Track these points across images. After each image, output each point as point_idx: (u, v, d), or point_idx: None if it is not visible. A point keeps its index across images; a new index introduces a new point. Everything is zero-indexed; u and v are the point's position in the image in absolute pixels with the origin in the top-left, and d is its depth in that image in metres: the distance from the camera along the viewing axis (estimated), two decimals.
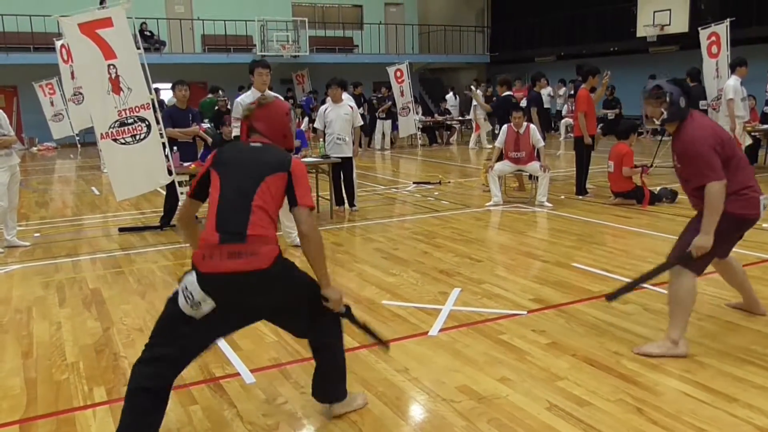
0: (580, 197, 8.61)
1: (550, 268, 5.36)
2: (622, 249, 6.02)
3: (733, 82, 9.34)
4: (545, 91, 12.93)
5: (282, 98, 2.97)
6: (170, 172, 6.75)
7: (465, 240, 6.49)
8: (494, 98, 11.22)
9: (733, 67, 9.48)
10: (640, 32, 17.86)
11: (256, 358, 3.61)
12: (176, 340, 2.54)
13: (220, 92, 14.55)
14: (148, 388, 2.52)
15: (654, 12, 17.38)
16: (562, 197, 8.62)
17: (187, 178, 6.94)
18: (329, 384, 2.89)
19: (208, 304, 2.47)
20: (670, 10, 17.02)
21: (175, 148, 7.02)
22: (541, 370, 3.37)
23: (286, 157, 2.70)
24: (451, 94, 19.78)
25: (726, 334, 3.81)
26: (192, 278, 2.49)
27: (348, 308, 2.85)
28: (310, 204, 2.64)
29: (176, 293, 2.57)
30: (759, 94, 12.55)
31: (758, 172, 10.77)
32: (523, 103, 10.98)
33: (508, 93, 9.20)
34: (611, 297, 3.84)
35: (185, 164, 7.09)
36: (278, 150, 2.75)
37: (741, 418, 2.84)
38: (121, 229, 7.29)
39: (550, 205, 8.06)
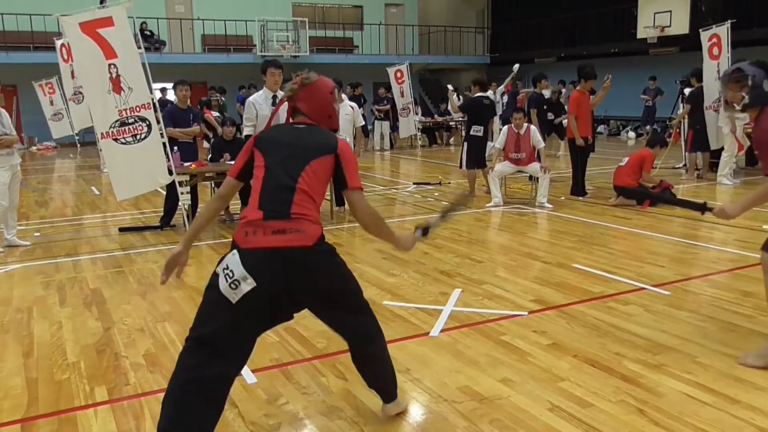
0: (580, 198, 8.59)
1: (550, 269, 5.36)
2: (622, 250, 6.02)
3: None
4: (546, 92, 12.90)
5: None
6: (171, 172, 6.75)
7: (466, 241, 6.49)
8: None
9: None
10: (641, 34, 17.87)
11: (257, 358, 3.58)
12: (215, 320, 2.42)
13: (217, 95, 14.52)
14: (193, 378, 2.38)
15: (654, 13, 17.39)
16: (562, 198, 8.62)
17: (187, 178, 6.94)
18: (382, 382, 2.87)
19: (248, 284, 2.36)
20: (670, 11, 17.03)
21: (175, 147, 7.02)
22: (542, 371, 3.36)
23: (332, 139, 2.63)
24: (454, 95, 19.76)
25: (727, 335, 3.81)
26: (233, 257, 2.42)
27: (425, 231, 2.87)
28: (359, 186, 2.60)
29: (214, 277, 2.46)
30: None
31: (758, 173, 10.80)
32: (519, 97, 10.91)
33: (480, 94, 9.00)
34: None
35: (186, 164, 7.09)
36: (323, 131, 2.68)
37: (743, 419, 2.84)
38: (122, 229, 7.28)
39: (550, 206, 8.06)
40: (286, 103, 2.77)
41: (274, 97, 6.13)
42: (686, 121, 10.79)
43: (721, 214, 3.46)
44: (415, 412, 3.00)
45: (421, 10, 26.19)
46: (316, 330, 4.00)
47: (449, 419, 2.90)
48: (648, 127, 17.59)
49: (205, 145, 10.42)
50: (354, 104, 8.04)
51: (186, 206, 6.96)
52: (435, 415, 2.95)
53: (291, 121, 2.75)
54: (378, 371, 2.84)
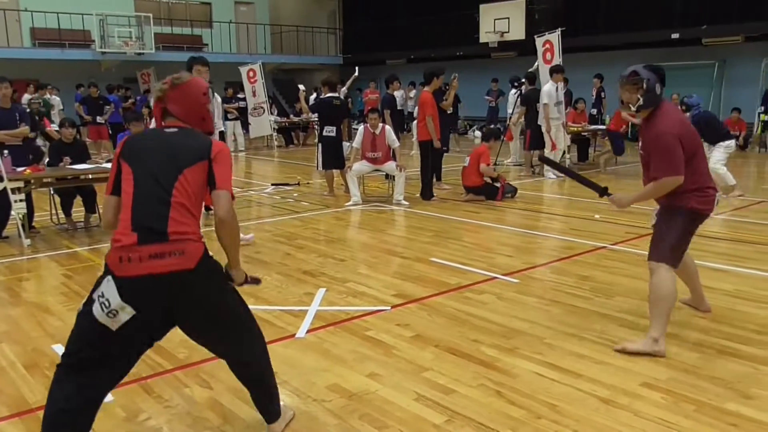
0: (428, 201, 8.60)
1: (410, 263, 5.54)
2: (474, 242, 6.36)
3: (548, 87, 10.13)
4: (398, 93, 13.30)
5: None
6: (1, 179, 6.13)
7: (327, 240, 6.53)
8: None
9: (550, 73, 10.29)
10: (483, 38, 18.94)
11: None
12: (92, 346, 2.31)
13: (37, 96, 13.40)
14: (67, 409, 2.28)
15: (494, 20, 18.52)
16: (418, 195, 8.92)
17: (21, 184, 6.33)
18: (263, 405, 2.76)
19: (126, 313, 2.25)
20: (508, 18, 18.21)
21: (5, 152, 6.37)
22: (407, 363, 3.47)
23: (205, 143, 2.48)
24: (314, 94, 19.71)
25: (569, 316, 4.16)
26: (107, 284, 2.26)
27: (254, 281, 2.82)
28: (228, 188, 2.45)
29: (89, 302, 2.31)
30: (587, 97, 13.80)
31: (588, 168, 11.88)
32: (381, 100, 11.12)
33: (330, 95, 9.09)
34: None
35: (18, 169, 6.46)
36: (197, 135, 2.53)
37: (586, 391, 3.12)
38: None
39: (406, 203, 8.32)
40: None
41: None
42: (523, 121, 11.56)
43: (614, 202, 3.81)
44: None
45: (272, 9, 25.88)
46: (177, 340, 3.81)
47: (319, 418, 2.91)
48: (492, 126, 18.72)
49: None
50: None
51: (20, 215, 6.36)
52: (305, 416, 2.94)
53: (162, 124, 2.58)
54: (259, 392, 2.74)
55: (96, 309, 2.27)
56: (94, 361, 2.31)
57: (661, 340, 3.54)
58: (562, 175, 10.30)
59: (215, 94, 6.33)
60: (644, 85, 3.51)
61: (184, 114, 2.56)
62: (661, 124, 3.52)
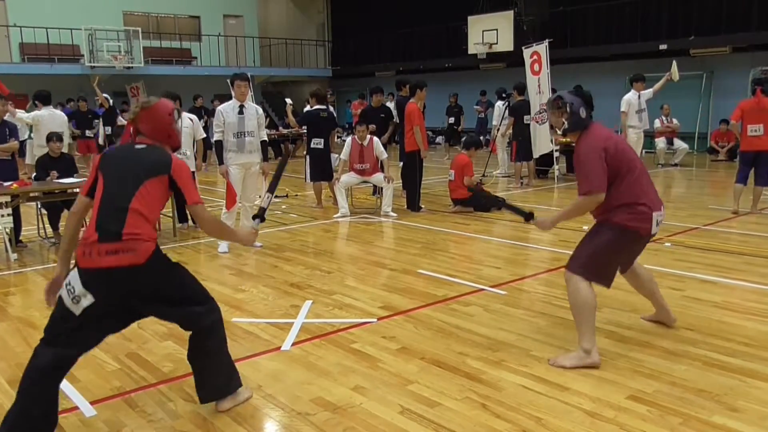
0: (416, 212, 8.61)
1: (397, 275, 5.54)
2: (462, 254, 6.36)
3: (629, 96, 10.14)
4: (389, 105, 13.32)
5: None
6: None
7: (315, 252, 6.52)
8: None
9: (631, 82, 10.34)
10: (471, 50, 19.04)
11: (96, 388, 3.35)
12: (63, 324, 2.69)
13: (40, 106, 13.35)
14: (43, 366, 2.67)
15: (483, 31, 18.63)
16: (406, 207, 8.92)
17: (8, 199, 6.30)
18: (215, 379, 3.02)
19: (87, 299, 2.63)
20: (496, 29, 18.33)
21: None
22: (392, 376, 3.46)
23: (166, 159, 2.85)
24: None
25: (556, 328, 4.16)
26: (74, 273, 2.67)
27: (261, 217, 3.29)
28: (197, 200, 2.88)
29: (62, 288, 2.73)
30: None
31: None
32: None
33: (318, 107, 9.05)
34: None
35: (6, 184, 6.43)
36: (161, 151, 2.90)
37: (572, 404, 3.11)
38: None
39: (394, 214, 8.32)
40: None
41: (241, 106, 6.55)
42: (511, 132, 11.58)
43: (539, 225, 3.86)
44: (269, 429, 2.96)
45: (261, 22, 25.96)
46: (161, 354, 3.81)
47: None
48: (481, 137, 18.79)
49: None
50: (194, 116, 7.77)
51: (7, 230, 6.31)
52: (288, 430, 2.92)
53: (134, 140, 2.95)
54: (215, 363, 3.00)
55: (63, 293, 2.68)
56: (63, 337, 2.69)
57: (593, 350, 3.51)
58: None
59: (258, 107, 6.85)
60: (568, 109, 3.56)
61: (152, 132, 2.94)
62: (583, 145, 3.54)
